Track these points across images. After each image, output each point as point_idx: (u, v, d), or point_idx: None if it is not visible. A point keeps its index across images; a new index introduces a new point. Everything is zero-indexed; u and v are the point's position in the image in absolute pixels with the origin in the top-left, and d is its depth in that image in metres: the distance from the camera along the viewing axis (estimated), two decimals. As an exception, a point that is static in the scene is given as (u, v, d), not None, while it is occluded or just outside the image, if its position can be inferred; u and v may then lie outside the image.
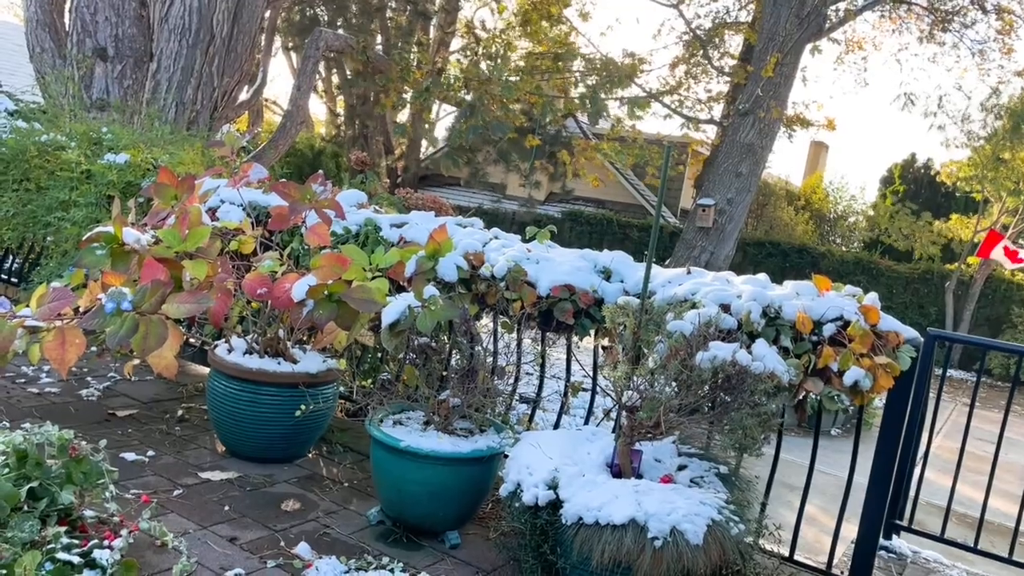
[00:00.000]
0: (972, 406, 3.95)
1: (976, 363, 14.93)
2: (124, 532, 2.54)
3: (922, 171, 20.84)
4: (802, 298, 3.15)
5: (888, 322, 3.08)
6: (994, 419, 6.36)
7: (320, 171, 4.11)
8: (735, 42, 13.30)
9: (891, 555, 3.88)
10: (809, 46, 10.84)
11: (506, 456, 3.08)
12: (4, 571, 2.16)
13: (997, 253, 13.73)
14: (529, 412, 4.23)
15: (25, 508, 2.48)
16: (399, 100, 11.35)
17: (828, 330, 3.02)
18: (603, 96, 11.07)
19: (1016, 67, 15.31)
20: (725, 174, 10.11)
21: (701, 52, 12.78)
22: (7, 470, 2.56)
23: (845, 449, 3.82)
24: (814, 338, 3.05)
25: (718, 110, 12.84)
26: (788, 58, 9.99)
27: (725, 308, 3.11)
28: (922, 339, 3.20)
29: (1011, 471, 7.04)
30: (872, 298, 3.13)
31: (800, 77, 11.92)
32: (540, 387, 4.17)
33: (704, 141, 13.29)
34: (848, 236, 21.93)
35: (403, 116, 15.86)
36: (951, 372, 14.77)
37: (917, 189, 20.03)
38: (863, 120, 61.88)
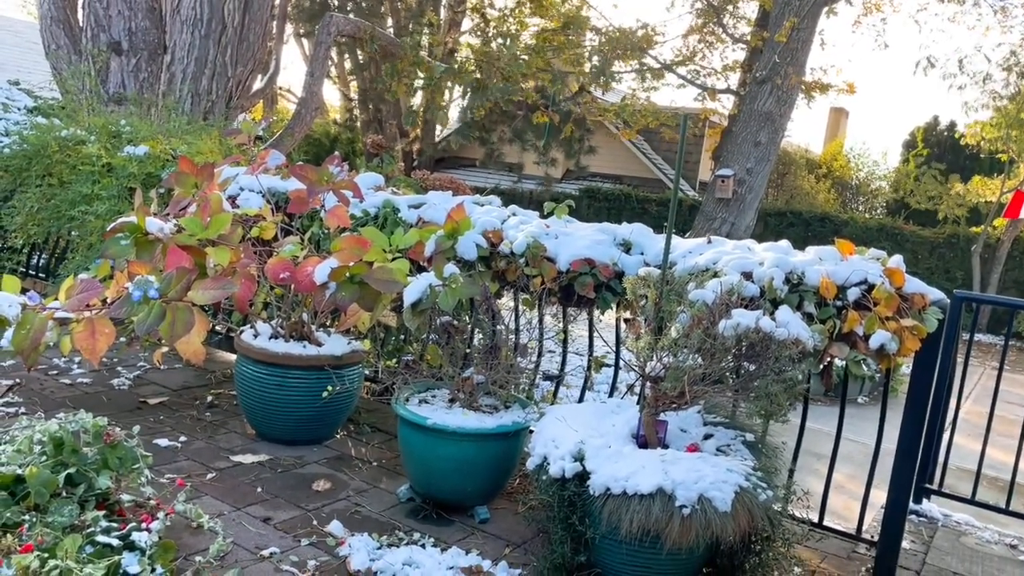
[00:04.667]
0: (1001, 368, 3.90)
1: (1005, 327, 14.71)
2: (161, 515, 2.59)
3: (945, 134, 20.42)
4: (825, 263, 3.12)
5: (913, 284, 3.04)
6: (1024, 382, 6.29)
7: (336, 152, 4.12)
8: (751, 8, 13.10)
9: (921, 519, 3.86)
10: (825, 9, 10.63)
11: (532, 431, 3.10)
12: (46, 554, 2.22)
13: None
14: (553, 389, 4.25)
15: (64, 494, 2.55)
16: (411, 88, 11.28)
17: (852, 294, 2.99)
18: (615, 70, 10.96)
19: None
20: (743, 144, 9.99)
21: (715, 20, 12.59)
22: (45, 458, 2.62)
23: (872, 417, 3.80)
24: (838, 303, 3.03)
25: (734, 79, 12.67)
26: (805, 22, 9.82)
27: (747, 276, 3.09)
28: (948, 300, 3.16)
29: (1042, 433, 6.95)
30: (897, 260, 3.09)
31: (818, 41, 11.73)
32: (563, 363, 4.18)
33: (720, 112, 13.13)
34: (871, 203, 21.59)
35: (416, 100, 15.79)
36: (979, 336, 14.55)
37: (941, 152, 19.63)
38: (883, 85, 60.74)
